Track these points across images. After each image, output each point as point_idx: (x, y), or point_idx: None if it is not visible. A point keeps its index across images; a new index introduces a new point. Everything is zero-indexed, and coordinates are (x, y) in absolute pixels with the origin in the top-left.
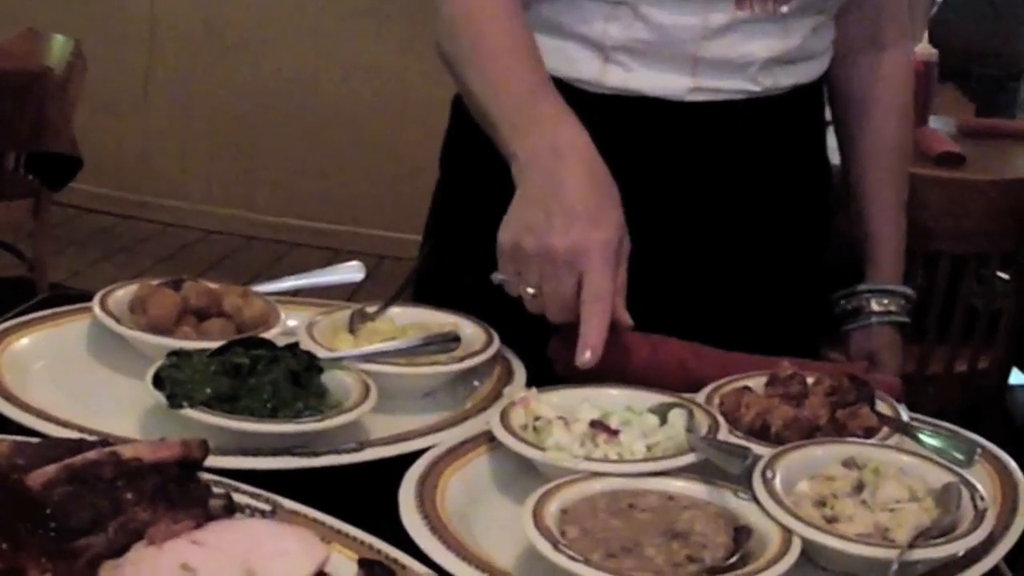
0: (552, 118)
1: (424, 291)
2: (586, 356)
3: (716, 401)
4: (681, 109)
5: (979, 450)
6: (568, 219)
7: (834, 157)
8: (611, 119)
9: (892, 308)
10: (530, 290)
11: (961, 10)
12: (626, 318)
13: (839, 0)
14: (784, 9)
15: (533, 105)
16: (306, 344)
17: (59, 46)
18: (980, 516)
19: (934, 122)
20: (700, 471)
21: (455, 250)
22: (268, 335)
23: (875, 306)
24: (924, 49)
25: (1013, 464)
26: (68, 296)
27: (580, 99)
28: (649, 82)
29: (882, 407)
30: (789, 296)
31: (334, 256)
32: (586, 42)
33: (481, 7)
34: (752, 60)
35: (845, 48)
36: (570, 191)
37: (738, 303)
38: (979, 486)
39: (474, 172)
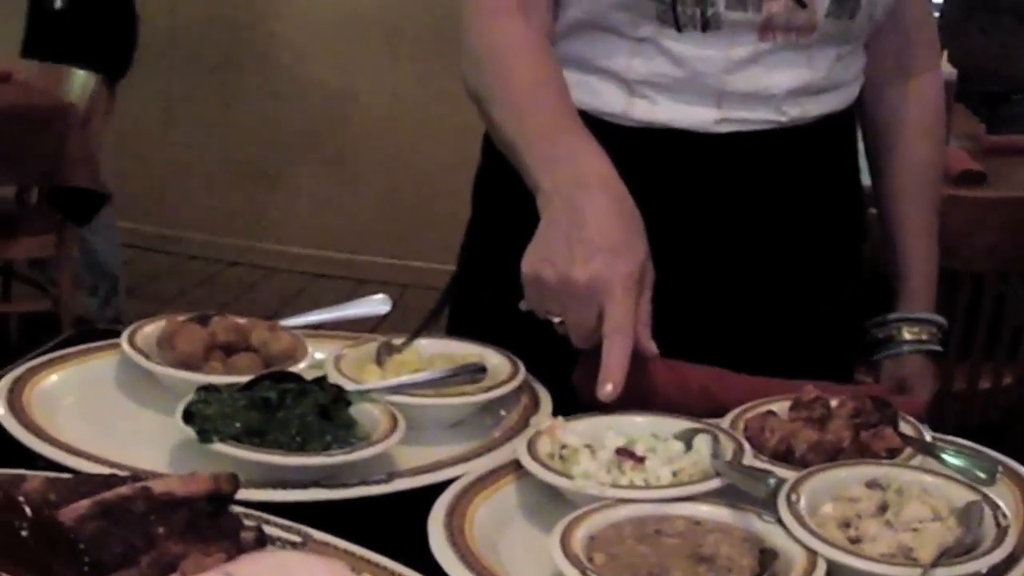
0: (577, 150)
1: (455, 321)
2: (607, 389)
3: (741, 426)
4: (708, 141)
5: (1000, 468)
6: (589, 250)
7: (866, 179)
8: (638, 151)
9: (924, 336)
10: (555, 319)
11: (950, 32)
12: (651, 347)
13: (864, 30)
14: (807, 40)
15: (558, 137)
16: (334, 377)
17: (80, 80)
18: (1003, 533)
19: (952, 141)
20: (725, 496)
21: (485, 281)
22: (296, 369)
23: (906, 335)
24: (943, 68)
25: None
26: (95, 332)
27: (607, 132)
28: (675, 114)
29: (905, 428)
30: (823, 322)
31: (357, 286)
32: (611, 76)
33: (506, 41)
34: (777, 91)
35: (876, 75)
36: (592, 222)
37: (771, 330)
38: (1001, 503)
39: (505, 207)
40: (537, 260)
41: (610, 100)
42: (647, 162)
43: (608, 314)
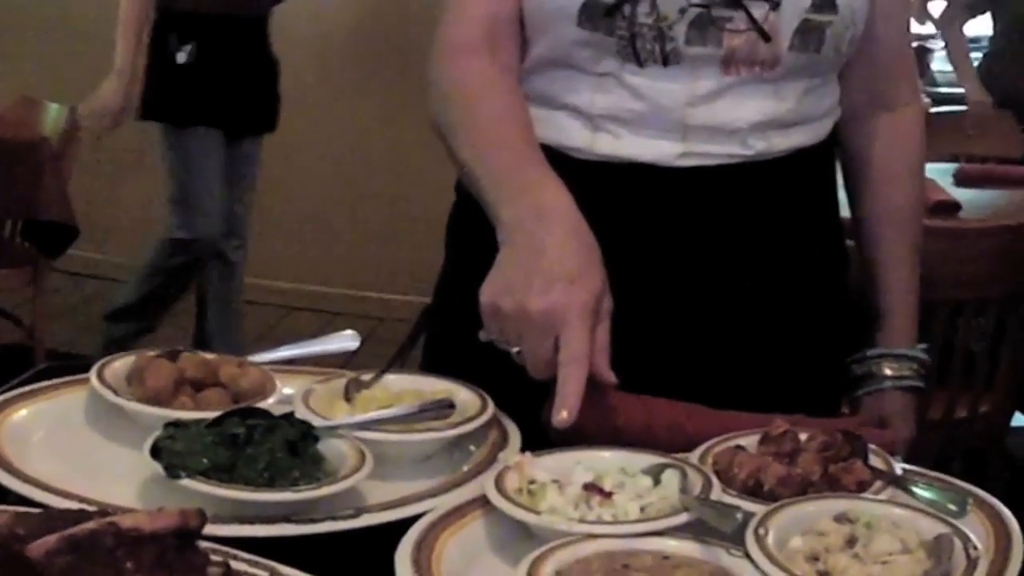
0: (537, 183)
1: (428, 356)
2: (562, 416)
3: (709, 460)
4: (672, 174)
5: (971, 500)
6: (547, 281)
7: (845, 211)
8: (602, 186)
9: (905, 372)
10: (514, 349)
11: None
12: (608, 377)
13: (833, 63)
14: (771, 74)
15: (520, 171)
16: (302, 413)
17: (54, 114)
18: (972, 565)
19: (930, 170)
20: (694, 530)
21: (458, 316)
22: (264, 404)
23: (887, 371)
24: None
25: (1007, 512)
26: (66, 367)
27: (572, 167)
28: (638, 148)
29: (875, 461)
30: (804, 357)
31: (331, 319)
32: (575, 112)
33: (472, 78)
34: (742, 125)
35: (851, 108)
36: (550, 253)
37: (746, 366)
38: (972, 535)
39: (479, 244)
40: (495, 291)
41: (574, 135)
42: (612, 197)
43: (564, 343)
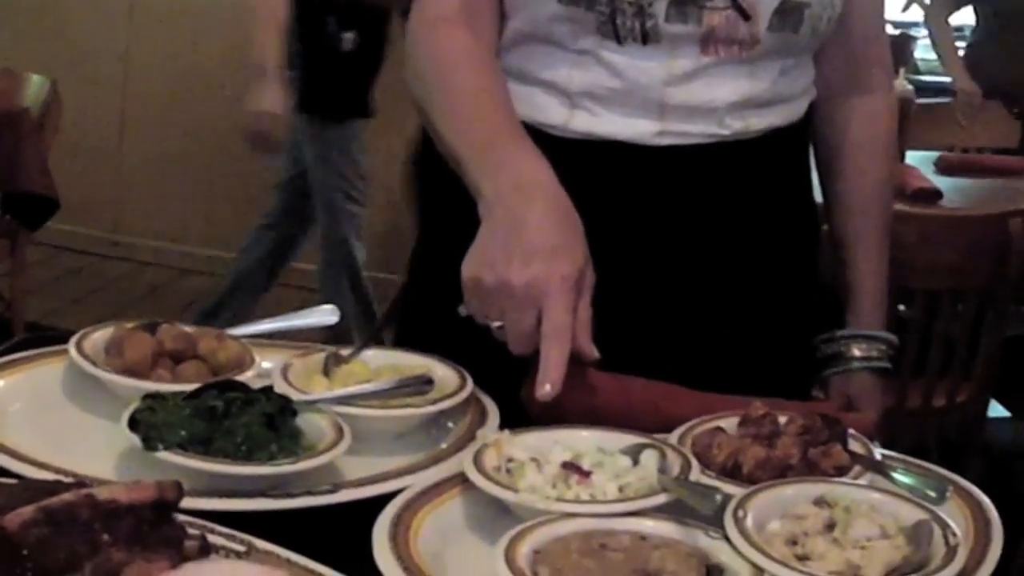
0: (517, 157)
1: (403, 333)
2: (545, 389)
3: (688, 442)
4: (648, 153)
5: (951, 487)
6: (527, 254)
7: (817, 195)
8: (579, 163)
9: (873, 354)
10: (495, 324)
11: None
12: (591, 351)
13: (809, 44)
14: (750, 54)
15: (499, 145)
16: (280, 387)
17: (35, 86)
18: (952, 552)
19: (912, 158)
20: (672, 511)
21: (433, 292)
22: (243, 378)
23: (855, 351)
24: (898, 84)
25: (986, 500)
26: (45, 338)
27: (548, 143)
28: (615, 127)
29: (854, 445)
30: (776, 338)
31: (310, 296)
32: (552, 88)
33: (450, 51)
34: (720, 105)
35: (825, 91)
36: (532, 227)
37: (722, 345)
38: (951, 522)
39: (453, 218)
40: (476, 264)
41: (551, 112)
42: (589, 174)
43: (546, 316)
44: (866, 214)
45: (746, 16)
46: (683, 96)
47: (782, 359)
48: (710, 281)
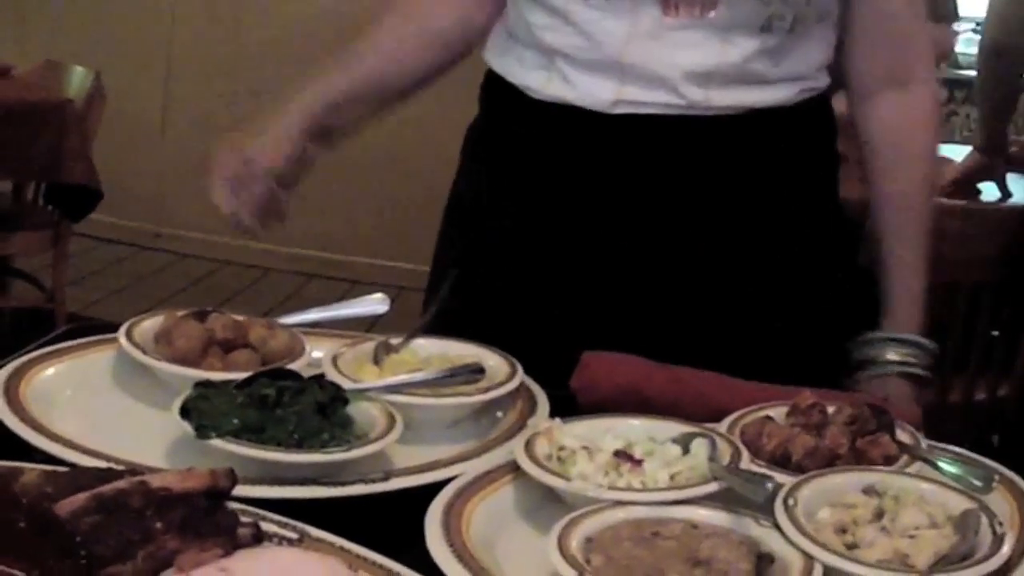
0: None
1: (448, 323)
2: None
3: (738, 431)
4: (605, 121)
5: (997, 477)
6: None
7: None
8: (552, 127)
9: (910, 359)
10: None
11: None
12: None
13: (789, 23)
14: (711, 15)
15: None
16: (331, 375)
17: (79, 77)
18: (998, 541)
19: (948, 150)
20: (722, 500)
21: (479, 282)
22: (294, 367)
23: (892, 355)
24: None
25: None
26: (91, 327)
27: (529, 106)
28: (577, 92)
29: (902, 435)
30: (793, 332)
31: (351, 288)
32: (538, 49)
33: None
34: (676, 72)
35: (865, 85)
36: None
37: (738, 335)
38: (997, 512)
39: (508, 202)
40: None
41: (534, 75)
42: (558, 139)
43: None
44: (904, 214)
45: None
46: (642, 56)
47: (803, 354)
48: (683, 260)
